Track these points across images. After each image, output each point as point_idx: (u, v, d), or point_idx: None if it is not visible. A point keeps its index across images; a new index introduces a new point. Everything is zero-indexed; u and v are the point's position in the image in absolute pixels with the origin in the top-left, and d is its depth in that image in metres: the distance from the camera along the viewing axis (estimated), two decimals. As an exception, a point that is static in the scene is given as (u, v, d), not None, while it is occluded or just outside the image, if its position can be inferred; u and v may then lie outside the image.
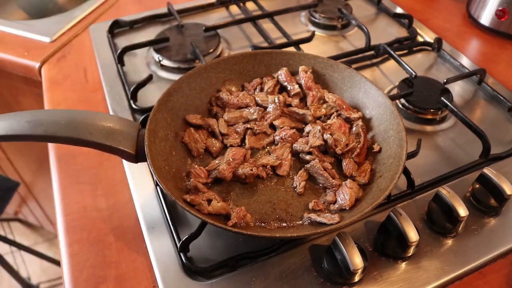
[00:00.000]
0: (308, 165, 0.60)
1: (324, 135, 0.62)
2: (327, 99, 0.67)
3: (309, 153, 0.62)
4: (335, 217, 0.52)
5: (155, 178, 0.52)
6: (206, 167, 0.59)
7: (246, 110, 0.67)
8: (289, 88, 0.70)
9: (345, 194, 0.55)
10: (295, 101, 0.68)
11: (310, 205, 0.56)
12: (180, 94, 0.64)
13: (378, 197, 0.51)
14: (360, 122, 0.64)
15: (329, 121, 0.65)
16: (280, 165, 0.61)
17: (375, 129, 0.64)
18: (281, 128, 0.65)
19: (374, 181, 0.58)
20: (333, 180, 0.58)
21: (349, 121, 0.65)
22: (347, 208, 0.54)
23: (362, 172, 0.59)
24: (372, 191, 0.56)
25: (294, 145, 0.63)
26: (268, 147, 0.64)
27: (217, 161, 0.61)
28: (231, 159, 0.59)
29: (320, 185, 0.59)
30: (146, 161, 0.53)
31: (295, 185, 0.59)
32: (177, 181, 0.57)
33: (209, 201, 0.54)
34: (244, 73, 0.71)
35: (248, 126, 0.65)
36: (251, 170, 0.58)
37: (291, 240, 0.56)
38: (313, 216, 0.53)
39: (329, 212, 0.55)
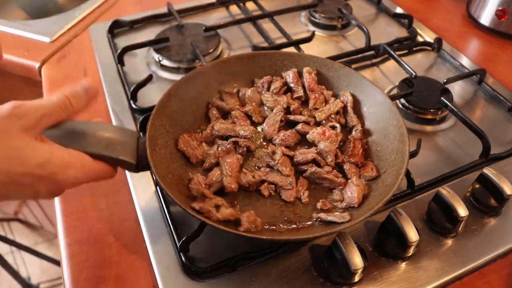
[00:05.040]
0: (307, 173, 0.59)
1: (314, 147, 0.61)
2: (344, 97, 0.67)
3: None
4: (346, 215, 0.52)
5: (160, 184, 0.50)
6: (205, 182, 0.57)
7: (240, 126, 0.64)
8: (293, 90, 0.69)
9: (352, 192, 0.55)
10: (296, 105, 0.68)
11: (318, 205, 0.55)
12: (177, 99, 0.62)
13: (386, 193, 0.51)
14: (359, 127, 0.63)
15: (311, 132, 0.63)
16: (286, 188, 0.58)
17: (374, 126, 0.64)
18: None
19: (378, 177, 0.58)
20: (339, 179, 0.57)
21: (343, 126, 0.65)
22: (355, 206, 0.54)
23: (367, 167, 0.59)
24: (378, 187, 0.56)
25: (295, 159, 0.60)
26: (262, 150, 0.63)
27: (215, 173, 0.58)
28: (229, 170, 0.57)
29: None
30: (147, 170, 0.52)
31: (299, 195, 0.57)
32: (180, 188, 0.55)
33: (217, 207, 0.53)
34: (240, 75, 0.70)
35: (238, 141, 0.62)
36: (253, 177, 0.57)
37: (302, 241, 0.55)
38: (323, 215, 0.53)
39: (337, 211, 0.54)
